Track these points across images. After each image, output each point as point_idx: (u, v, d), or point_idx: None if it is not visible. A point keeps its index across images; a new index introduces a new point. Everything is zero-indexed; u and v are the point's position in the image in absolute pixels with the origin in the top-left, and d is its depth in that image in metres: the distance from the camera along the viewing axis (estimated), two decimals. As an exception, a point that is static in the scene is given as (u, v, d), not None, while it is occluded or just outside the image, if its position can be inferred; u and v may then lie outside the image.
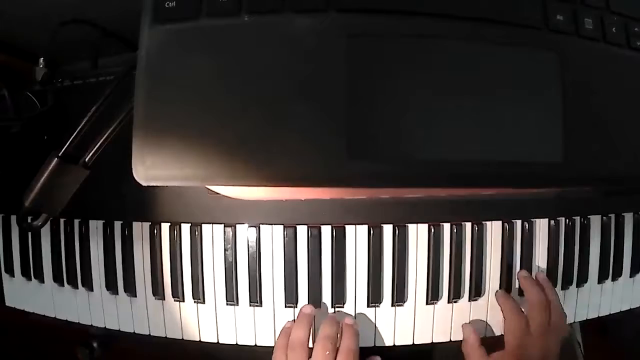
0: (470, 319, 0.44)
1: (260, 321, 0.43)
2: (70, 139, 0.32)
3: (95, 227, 0.46)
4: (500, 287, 0.44)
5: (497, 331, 0.45)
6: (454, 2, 0.24)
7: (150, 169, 0.23)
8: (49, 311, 0.48)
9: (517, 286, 0.45)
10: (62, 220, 0.47)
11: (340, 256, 0.42)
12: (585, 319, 0.47)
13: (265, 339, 0.44)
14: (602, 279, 0.47)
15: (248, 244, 0.43)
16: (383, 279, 0.43)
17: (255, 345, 0.44)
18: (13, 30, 0.44)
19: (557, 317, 0.41)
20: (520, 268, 0.45)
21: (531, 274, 0.44)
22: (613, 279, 0.48)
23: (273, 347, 0.43)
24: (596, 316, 0.48)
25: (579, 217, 0.46)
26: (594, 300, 0.47)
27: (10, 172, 0.46)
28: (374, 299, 0.43)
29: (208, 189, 0.42)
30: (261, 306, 0.43)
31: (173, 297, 0.44)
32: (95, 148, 0.32)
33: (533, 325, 0.40)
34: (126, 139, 0.24)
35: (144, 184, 0.24)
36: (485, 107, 0.24)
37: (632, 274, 0.48)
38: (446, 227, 0.43)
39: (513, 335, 0.41)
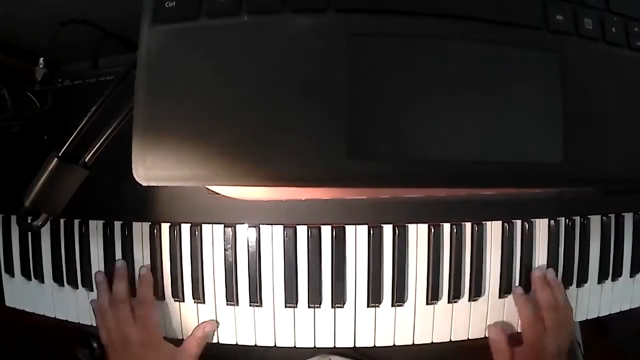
0: (471, 319, 0.44)
1: (260, 321, 0.43)
2: (70, 139, 0.32)
3: (95, 227, 0.46)
4: (500, 287, 0.44)
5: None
6: (454, 2, 0.24)
7: (150, 169, 0.23)
8: (49, 311, 0.48)
9: (516, 285, 0.45)
10: (62, 220, 0.47)
11: (340, 256, 0.42)
12: (585, 319, 0.47)
13: (265, 339, 0.44)
14: (602, 279, 0.47)
15: (248, 244, 0.43)
16: (383, 279, 0.43)
17: (255, 345, 0.44)
18: (13, 30, 0.44)
19: (565, 313, 0.44)
20: (520, 268, 0.45)
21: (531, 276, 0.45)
22: (613, 279, 0.48)
23: (273, 347, 0.43)
24: (596, 316, 0.48)
25: (579, 217, 0.46)
26: (594, 300, 0.47)
27: (10, 172, 0.46)
28: (374, 299, 0.43)
29: (208, 189, 0.42)
30: (261, 306, 0.43)
31: (173, 297, 0.44)
32: (95, 148, 0.32)
33: (547, 324, 0.43)
34: (126, 139, 0.24)
35: (144, 184, 0.24)
36: (485, 107, 0.24)
37: (632, 274, 0.48)
38: (446, 227, 0.43)
39: (530, 333, 0.43)
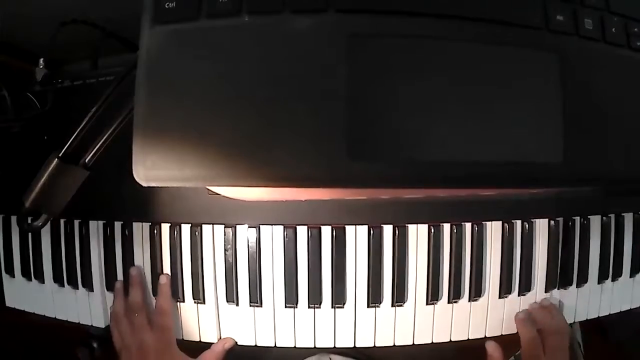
0: (471, 319, 0.44)
1: (260, 321, 0.43)
2: (71, 140, 0.32)
3: (96, 227, 0.46)
4: (500, 288, 0.44)
5: (498, 331, 0.45)
6: (454, 3, 0.24)
7: (150, 169, 0.23)
8: (49, 311, 0.48)
9: (517, 287, 0.45)
10: (62, 221, 0.47)
11: (340, 256, 0.42)
12: (585, 319, 0.47)
13: (266, 339, 0.44)
14: (602, 279, 0.47)
15: (248, 245, 0.43)
16: (383, 279, 0.43)
17: (256, 345, 0.44)
18: (13, 30, 0.44)
19: (563, 339, 0.44)
20: (521, 268, 0.45)
21: (531, 276, 0.45)
22: (613, 279, 0.48)
23: (274, 347, 0.43)
24: (596, 316, 0.48)
25: (579, 217, 0.46)
26: (594, 300, 0.47)
27: (10, 172, 0.46)
28: (374, 299, 0.43)
29: (208, 189, 0.42)
30: (261, 306, 0.43)
31: (173, 297, 0.44)
32: (96, 149, 0.32)
33: (547, 348, 0.43)
34: (126, 139, 0.24)
35: (144, 184, 0.24)
36: (485, 108, 0.24)
37: (632, 274, 0.48)
38: (446, 227, 0.43)
39: (529, 356, 0.43)
